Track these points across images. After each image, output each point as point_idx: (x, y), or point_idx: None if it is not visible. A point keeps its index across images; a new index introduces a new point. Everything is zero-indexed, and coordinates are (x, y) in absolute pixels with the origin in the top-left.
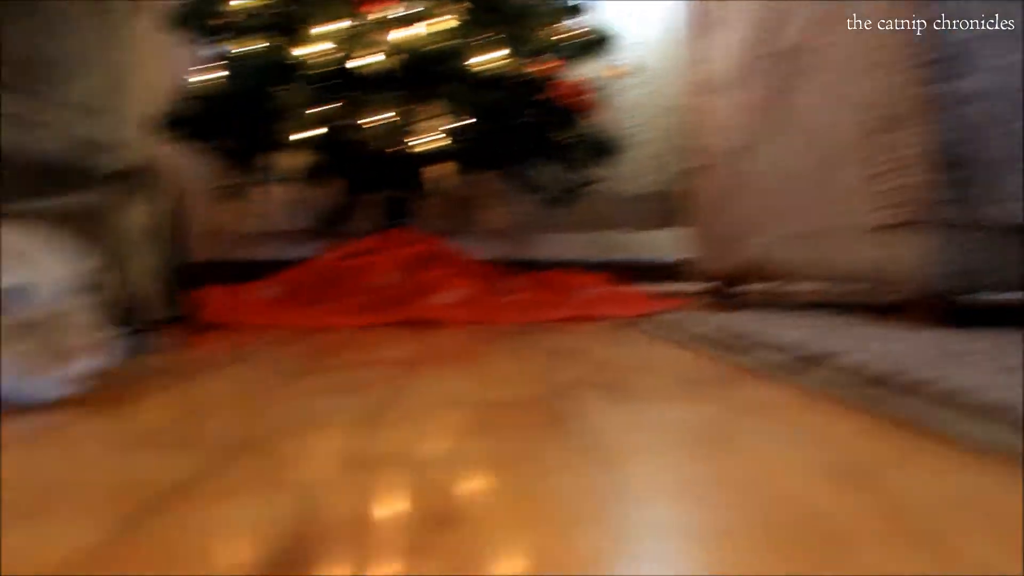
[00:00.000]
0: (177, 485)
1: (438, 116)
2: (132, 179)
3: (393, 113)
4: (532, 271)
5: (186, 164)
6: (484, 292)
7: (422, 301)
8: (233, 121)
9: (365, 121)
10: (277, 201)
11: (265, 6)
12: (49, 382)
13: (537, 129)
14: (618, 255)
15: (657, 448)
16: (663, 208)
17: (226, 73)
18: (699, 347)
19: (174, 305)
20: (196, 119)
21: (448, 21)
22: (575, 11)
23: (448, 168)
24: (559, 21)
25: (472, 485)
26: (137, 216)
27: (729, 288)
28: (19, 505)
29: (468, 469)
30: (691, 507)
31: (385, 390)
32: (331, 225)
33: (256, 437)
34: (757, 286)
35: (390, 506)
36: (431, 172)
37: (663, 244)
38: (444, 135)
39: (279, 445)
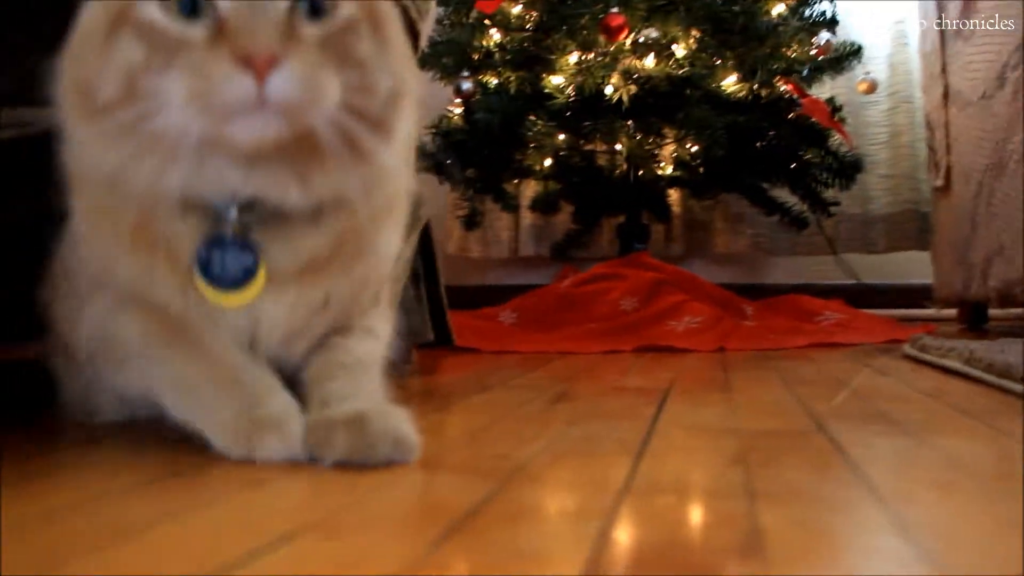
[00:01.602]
0: (472, 508)
1: (679, 139)
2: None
3: (636, 138)
4: (768, 296)
5: (430, 193)
6: (720, 318)
7: (659, 328)
8: (480, 151)
9: (605, 148)
10: (516, 228)
11: (517, 40)
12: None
13: (781, 150)
14: (857, 279)
15: (941, 486)
16: (906, 229)
17: (479, 105)
18: (960, 375)
19: (432, 331)
20: (448, 149)
21: (689, 44)
22: (821, 26)
23: (686, 192)
24: (806, 37)
25: (765, 518)
26: (402, 241)
27: (978, 313)
28: (343, 522)
29: (754, 501)
30: (995, 553)
31: (639, 418)
32: (568, 251)
33: (530, 462)
34: (1011, 311)
35: (685, 534)
36: (670, 196)
37: (906, 267)
38: (684, 159)
39: (553, 471)
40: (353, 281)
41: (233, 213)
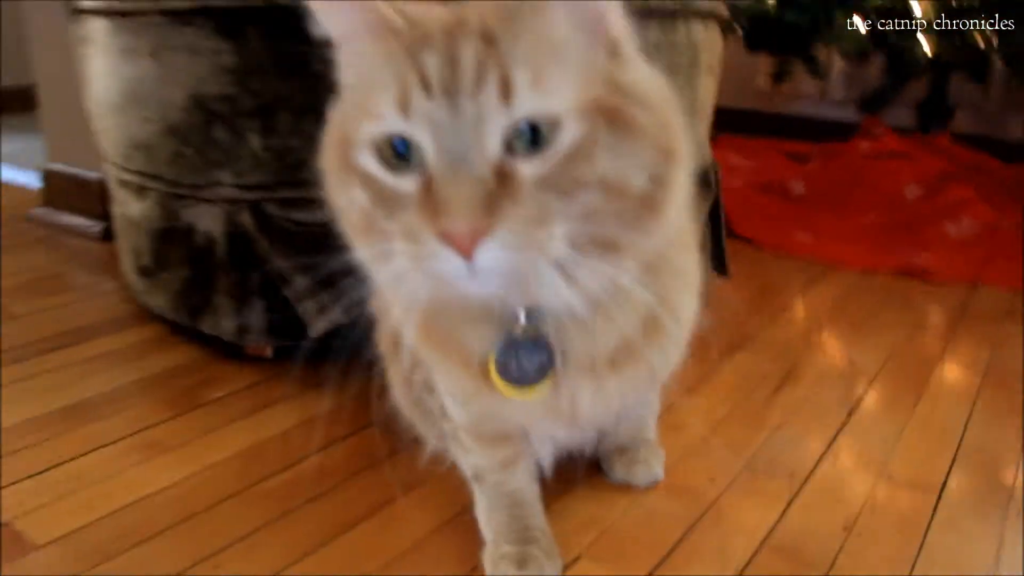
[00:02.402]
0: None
1: None
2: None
3: None
4: None
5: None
6: (998, 228)
7: (932, 230)
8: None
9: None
10: (824, 77)
11: None
12: None
13: None
14: None
15: None
16: None
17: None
18: None
19: (712, 260)
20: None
21: None
22: None
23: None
24: None
25: None
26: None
27: None
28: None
29: None
30: None
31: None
32: (872, 107)
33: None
34: None
35: None
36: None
37: None
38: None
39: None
40: (660, 355)
41: (522, 316)
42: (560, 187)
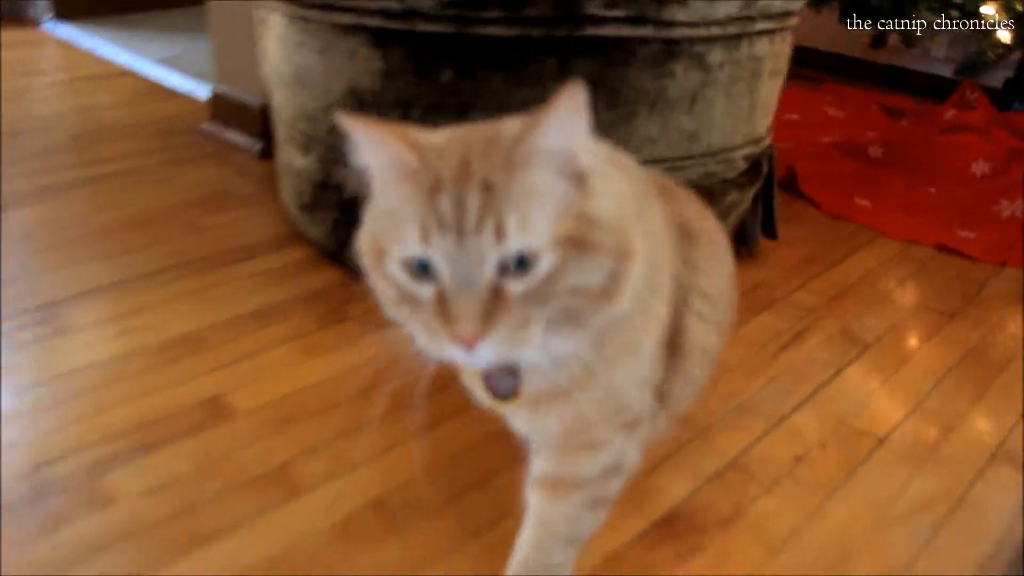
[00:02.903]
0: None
1: None
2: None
3: None
4: None
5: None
6: None
7: (985, 208)
8: None
9: None
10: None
11: None
12: None
13: None
14: None
15: None
16: None
17: None
18: None
19: (761, 233)
20: None
21: None
22: None
23: None
24: None
25: None
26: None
27: None
28: None
29: None
30: None
31: None
32: (966, 72)
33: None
34: None
35: None
36: None
37: None
38: None
39: None
40: (585, 410)
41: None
42: (539, 298)
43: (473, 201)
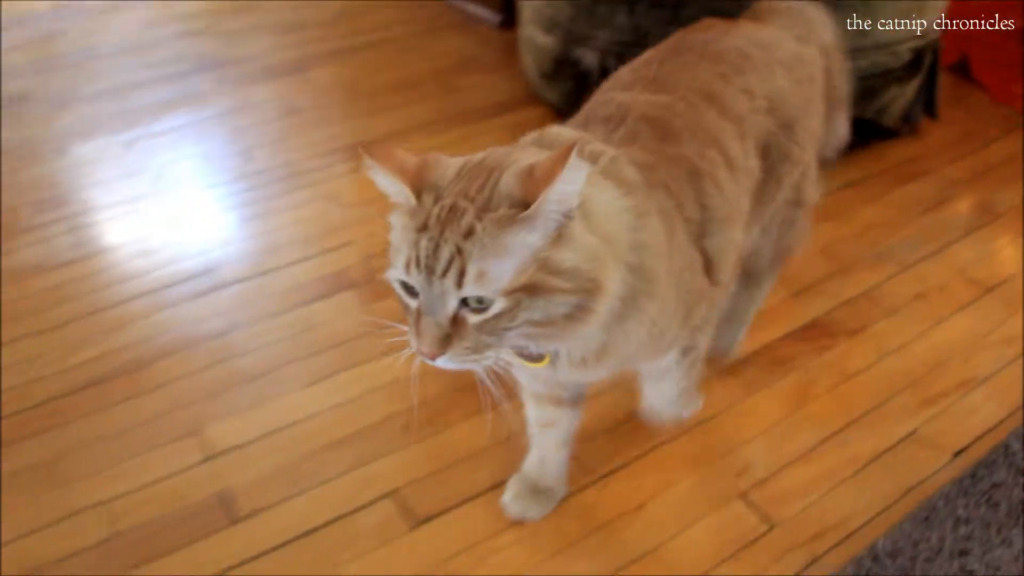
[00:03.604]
0: None
1: None
2: None
3: None
4: None
5: None
6: None
7: None
8: None
9: None
10: None
11: None
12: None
13: None
14: None
15: None
16: None
17: None
18: None
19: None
20: None
21: None
22: None
23: None
24: None
25: None
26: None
27: None
28: None
29: None
30: None
31: None
32: None
33: None
34: None
35: None
36: None
37: None
38: None
39: None
40: (630, 356)
41: None
42: (493, 331)
43: (445, 250)
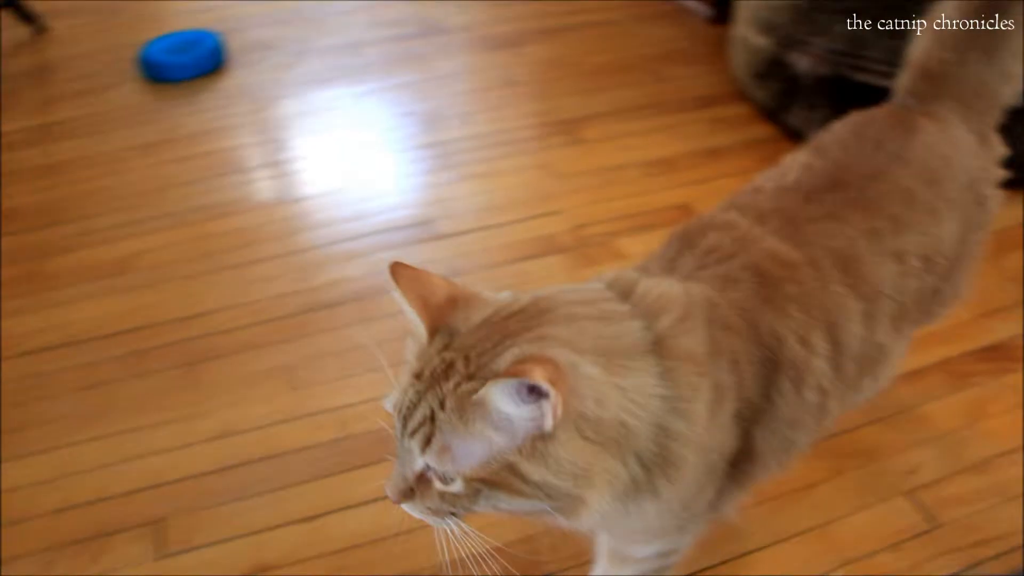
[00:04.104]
0: None
1: None
2: None
3: None
4: None
5: None
6: None
7: None
8: None
9: None
10: None
11: None
12: None
13: None
14: None
15: None
16: None
17: None
18: None
19: None
20: None
21: None
22: None
23: None
24: None
25: None
26: None
27: None
28: None
29: None
30: None
31: None
32: None
33: None
34: None
35: None
36: None
37: None
38: None
39: None
40: (624, 533)
41: None
42: (455, 504)
43: (421, 412)
